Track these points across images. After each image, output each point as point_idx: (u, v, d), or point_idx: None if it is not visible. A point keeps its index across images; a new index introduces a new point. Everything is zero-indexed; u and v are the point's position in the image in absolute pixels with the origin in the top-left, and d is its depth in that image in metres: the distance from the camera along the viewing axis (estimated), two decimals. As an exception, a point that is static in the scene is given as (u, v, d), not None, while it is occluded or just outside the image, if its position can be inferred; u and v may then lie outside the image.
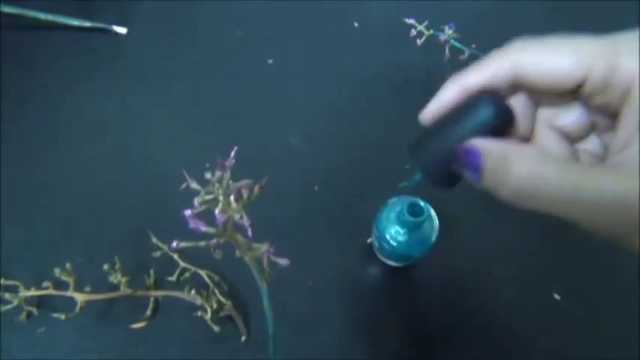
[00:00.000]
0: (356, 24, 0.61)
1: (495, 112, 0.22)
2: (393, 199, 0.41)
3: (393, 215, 0.39)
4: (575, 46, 0.20)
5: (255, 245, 0.30)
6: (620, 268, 0.44)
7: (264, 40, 0.59)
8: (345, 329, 0.43)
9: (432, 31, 0.54)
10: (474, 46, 0.53)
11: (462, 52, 0.54)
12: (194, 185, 0.31)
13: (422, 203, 0.37)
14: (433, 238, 0.39)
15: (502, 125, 0.23)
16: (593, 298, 0.44)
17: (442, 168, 0.23)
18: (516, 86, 0.23)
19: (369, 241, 0.47)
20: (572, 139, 0.24)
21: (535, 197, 0.19)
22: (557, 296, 0.44)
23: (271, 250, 0.30)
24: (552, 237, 0.46)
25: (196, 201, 0.29)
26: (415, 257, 0.41)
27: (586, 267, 0.45)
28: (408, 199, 0.38)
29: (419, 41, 0.54)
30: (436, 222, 0.39)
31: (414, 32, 0.54)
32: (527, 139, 0.25)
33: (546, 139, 0.24)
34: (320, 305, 0.44)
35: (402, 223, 0.38)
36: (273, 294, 0.45)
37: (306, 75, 0.57)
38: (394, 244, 0.39)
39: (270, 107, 0.55)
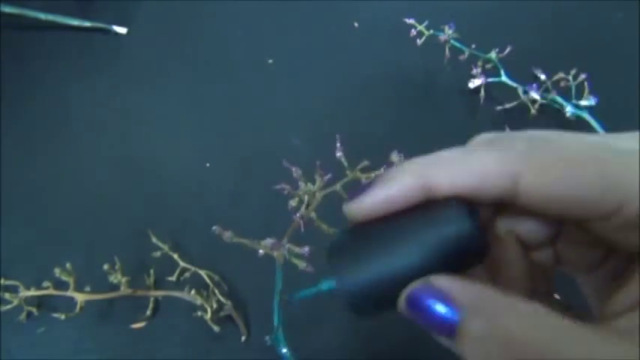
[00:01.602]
0: (356, 24, 0.61)
1: (474, 236, 0.15)
2: None
3: None
4: (607, 171, 0.14)
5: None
6: (620, 268, 0.44)
7: (264, 40, 0.59)
8: (345, 329, 0.43)
9: (432, 31, 0.54)
10: (474, 46, 0.53)
11: (462, 52, 0.54)
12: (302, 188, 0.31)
13: None
14: None
15: (478, 255, 0.16)
16: (593, 298, 0.44)
17: (374, 296, 0.16)
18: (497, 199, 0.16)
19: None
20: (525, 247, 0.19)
21: None
22: (557, 296, 0.44)
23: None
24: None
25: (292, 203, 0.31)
26: None
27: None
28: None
29: (419, 41, 0.54)
30: None
31: (414, 32, 0.54)
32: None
33: (505, 250, 0.18)
34: (320, 305, 0.44)
35: None
36: (273, 294, 0.45)
37: (306, 75, 0.57)
38: None
39: (271, 107, 0.55)
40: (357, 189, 0.17)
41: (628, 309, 0.14)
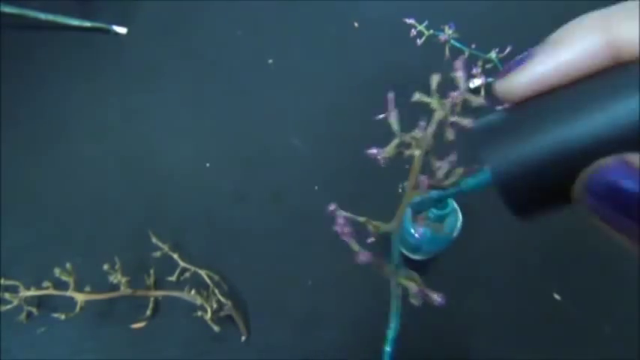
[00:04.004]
0: (356, 24, 0.61)
1: None
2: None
3: None
4: None
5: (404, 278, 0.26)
6: (621, 269, 0.44)
7: (264, 40, 0.59)
8: (345, 329, 0.43)
9: (432, 31, 0.54)
10: (474, 46, 0.53)
11: (462, 52, 0.54)
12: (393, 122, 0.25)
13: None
14: (456, 233, 0.39)
15: None
16: (593, 298, 0.44)
17: (533, 188, 0.13)
18: None
19: (369, 241, 0.47)
20: None
21: None
22: (557, 296, 0.44)
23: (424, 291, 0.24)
24: (553, 238, 0.46)
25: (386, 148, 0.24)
26: (438, 250, 0.41)
27: (586, 267, 0.45)
28: (432, 193, 0.38)
29: (419, 41, 0.54)
30: (460, 216, 0.40)
31: (414, 32, 0.54)
32: None
33: None
34: (320, 305, 0.44)
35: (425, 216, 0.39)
36: (273, 294, 0.45)
37: (306, 75, 0.57)
38: (417, 236, 0.40)
39: (271, 107, 0.55)
40: (513, 60, 0.13)
41: None
